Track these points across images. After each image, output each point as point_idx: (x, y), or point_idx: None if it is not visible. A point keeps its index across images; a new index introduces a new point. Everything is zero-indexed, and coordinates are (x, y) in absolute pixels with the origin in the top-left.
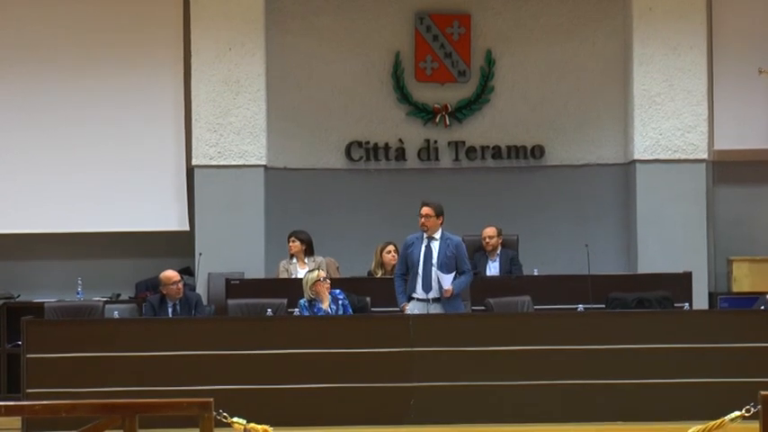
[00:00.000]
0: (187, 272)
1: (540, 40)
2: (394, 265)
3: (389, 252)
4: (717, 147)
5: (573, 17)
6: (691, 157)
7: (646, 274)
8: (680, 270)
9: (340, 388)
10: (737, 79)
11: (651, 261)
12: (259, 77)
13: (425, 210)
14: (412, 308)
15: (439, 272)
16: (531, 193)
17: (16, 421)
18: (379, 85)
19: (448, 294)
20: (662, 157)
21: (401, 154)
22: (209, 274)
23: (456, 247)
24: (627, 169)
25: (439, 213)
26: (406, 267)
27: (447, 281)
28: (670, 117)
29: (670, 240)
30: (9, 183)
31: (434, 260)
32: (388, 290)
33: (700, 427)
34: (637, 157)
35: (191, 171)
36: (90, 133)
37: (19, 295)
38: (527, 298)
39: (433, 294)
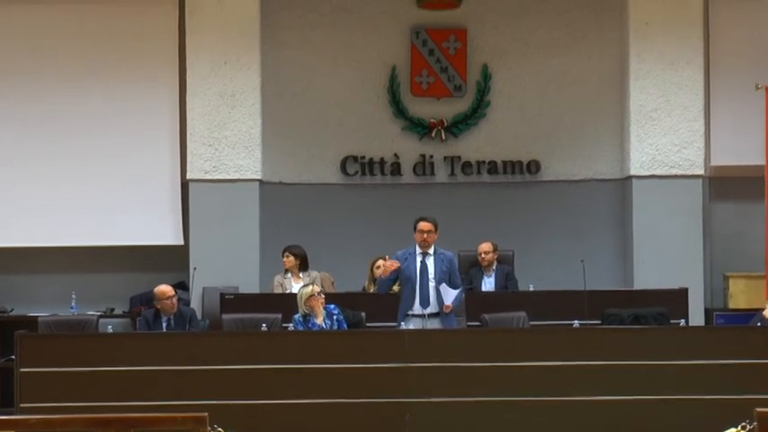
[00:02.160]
0: (182, 286)
1: (536, 55)
2: None
3: (379, 267)
4: (713, 162)
5: (569, 31)
6: (687, 172)
7: (642, 290)
8: (676, 286)
9: (334, 403)
10: (734, 95)
11: (647, 277)
12: (254, 91)
13: (426, 225)
14: (407, 324)
15: (444, 287)
16: (527, 209)
17: None
18: (375, 99)
19: (448, 310)
20: (658, 172)
21: (397, 169)
22: (203, 288)
23: (449, 263)
24: (623, 185)
25: (436, 229)
26: (394, 280)
27: (451, 296)
28: (666, 132)
29: (666, 256)
30: (2, 196)
31: (431, 275)
32: (383, 305)
33: None
34: (633, 172)
35: (185, 185)
36: (84, 147)
37: (12, 309)
38: (522, 314)
39: (430, 309)
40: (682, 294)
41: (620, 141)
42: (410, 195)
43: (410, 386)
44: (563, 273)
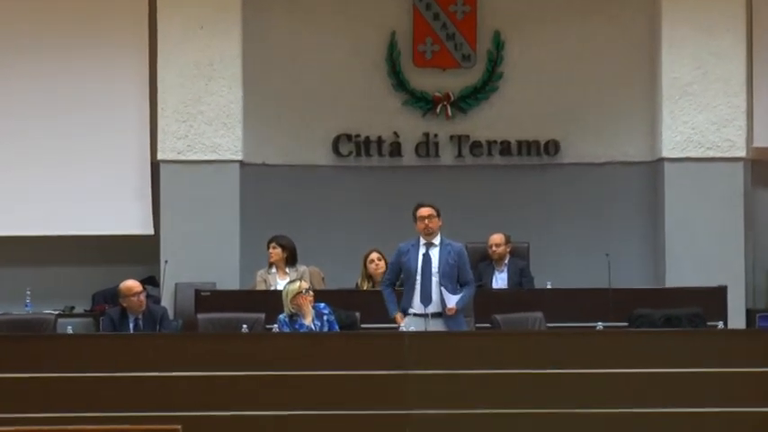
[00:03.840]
0: (151, 281)
1: (555, 21)
2: (382, 275)
3: (373, 261)
4: (756, 143)
5: None
6: (726, 154)
7: (675, 289)
8: (714, 284)
9: (325, 416)
10: None
11: (681, 273)
12: (235, 60)
13: (425, 211)
14: (408, 324)
15: (444, 289)
16: (545, 195)
17: None
18: (372, 70)
19: (451, 313)
20: (694, 154)
21: (396, 149)
22: (176, 284)
23: (458, 255)
24: (654, 168)
25: (438, 214)
26: (398, 277)
27: (452, 300)
28: (703, 109)
29: (703, 250)
30: None
31: (434, 269)
32: (380, 304)
33: None
34: (665, 154)
35: (156, 167)
36: (40, 125)
37: None
38: (539, 314)
39: (432, 309)
40: (720, 293)
41: (651, 119)
42: (411, 179)
43: (410, 396)
44: (585, 268)
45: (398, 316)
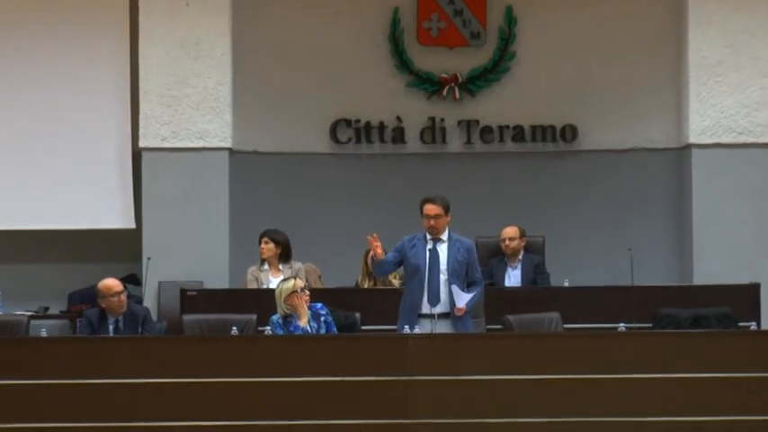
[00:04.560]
0: (132, 280)
1: None
2: None
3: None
4: None
5: None
6: (759, 140)
7: (703, 286)
8: (745, 280)
9: (321, 426)
10: None
11: (710, 269)
12: (224, 39)
13: (432, 208)
14: (411, 326)
15: (455, 288)
16: (562, 185)
17: None
18: (374, 49)
19: (460, 314)
20: (724, 140)
21: (399, 135)
22: (159, 283)
23: (468, 252)
24: (680, 155)
25: (447, 210)
26: (395, 264)
27: (463, 299)
28: (734, 91)
29: (734, 243)
30: None
31: (443, 266)
32: (381, 304)
33: None
34: (693, 140)
35: (138, 155)
36: (10, 110)
37: None
38: (555, 315)
39: (440, 309)
40: (752, 291)
41: (677, 102)
42: (416, 168)
43: (414, 405)
44: (605, 264)
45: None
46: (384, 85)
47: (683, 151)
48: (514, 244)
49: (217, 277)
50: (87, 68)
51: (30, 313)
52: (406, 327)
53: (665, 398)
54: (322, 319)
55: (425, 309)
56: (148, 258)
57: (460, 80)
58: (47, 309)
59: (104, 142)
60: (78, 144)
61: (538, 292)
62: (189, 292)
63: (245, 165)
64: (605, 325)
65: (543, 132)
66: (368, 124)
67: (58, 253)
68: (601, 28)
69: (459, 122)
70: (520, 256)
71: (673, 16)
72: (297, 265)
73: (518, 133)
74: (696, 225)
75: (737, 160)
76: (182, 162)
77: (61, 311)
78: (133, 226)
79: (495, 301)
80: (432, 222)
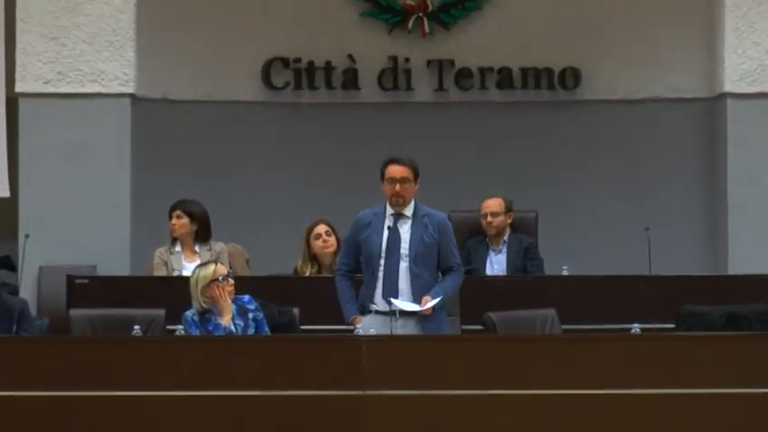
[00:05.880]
0: (6, 264)
1: None
2: (333, 257)
3: (319, 237)
4: None
5: None
6: None
7: (739, 276)
8: None
9: None
10: None
11: (749, 255)
12: None
13: (398, 170)
14: (367, 325)
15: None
16: (560, 145)
17: None
18: None
19: (428, 312)
20: (766, 88)
21: (352, 79)
22: (40, 267)
23: (439, 230)
24: (712, 107)
25: (416, 176)
26: (357, 260)
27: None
28: None
29: None
30: None
31: (404, 249)
32: (329, 296)
33: None
34: (728, 88)
35: (13, 102)
36: None
37: None
38: (551, 312)
39: (401, 305)
40: None
41: (708, 40)
42: (373, 121)
43: (369, 425)
44: (615, 248)
45: (357, 318)
46: (332, 16)
47: (716, 102)
48: (498, 221)
49: (114, 261)
50: None
51: None
52: (359, 327)
53: (693, 419)
54: (250, 315)
55: (382, 305)
56: (26, 236)
57: (430, 8)
58: None
59: None
60: None
61: (528, 282)
62: (78, 280)
63: (151, 116)
64: (615, 326)
65: (537, 77)
66: (311, 65)
67: None
68: None
69: (429, 63)
70: (505, 237)
71: None
72: (218, 245)
73: (504, 78)
74: (731, 196)
75: None
76: (70, 112)
77: None
78: (7, 194)
79: (474, 293)
80: (397, 188)
